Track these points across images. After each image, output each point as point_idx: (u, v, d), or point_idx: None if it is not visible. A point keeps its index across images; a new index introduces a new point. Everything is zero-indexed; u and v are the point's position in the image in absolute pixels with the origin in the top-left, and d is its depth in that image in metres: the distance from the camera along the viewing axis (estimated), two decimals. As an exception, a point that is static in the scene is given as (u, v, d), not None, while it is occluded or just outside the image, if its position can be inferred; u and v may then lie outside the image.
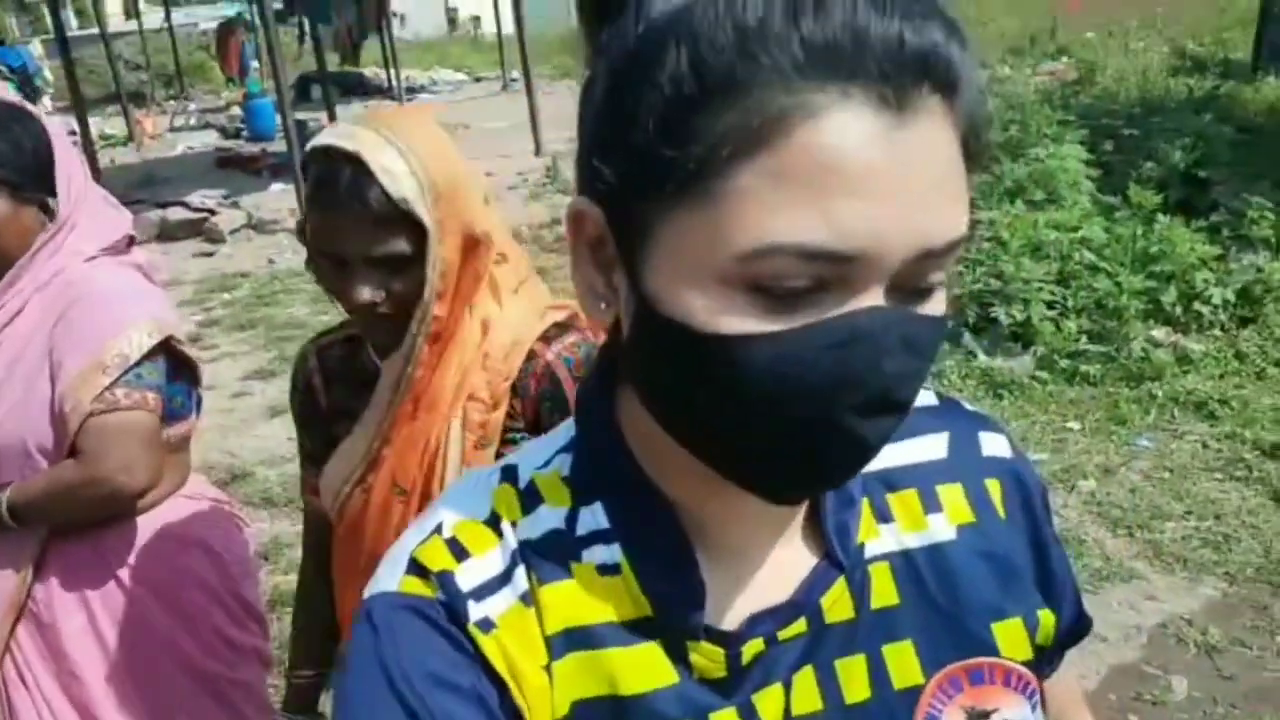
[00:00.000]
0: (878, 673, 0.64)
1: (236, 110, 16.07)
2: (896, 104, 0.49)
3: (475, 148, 11.76)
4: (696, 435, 0.58)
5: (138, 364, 1.59)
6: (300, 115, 10.04)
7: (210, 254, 8.48)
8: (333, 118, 11.86)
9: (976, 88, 0.53)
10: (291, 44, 17.16)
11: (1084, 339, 4.75)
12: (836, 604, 0.65)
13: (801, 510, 0.67)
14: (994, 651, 0.66)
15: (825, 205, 0.49)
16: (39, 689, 1.67)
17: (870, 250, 0.50)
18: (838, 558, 0.65)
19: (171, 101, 20.01)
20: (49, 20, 19.98)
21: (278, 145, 11.50)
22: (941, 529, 0.68)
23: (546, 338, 1.38)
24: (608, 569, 0.64)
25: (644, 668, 0.62)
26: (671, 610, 0.63)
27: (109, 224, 1.69)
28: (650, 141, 0.52)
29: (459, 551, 0.64)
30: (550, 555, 0.64)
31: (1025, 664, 0.67)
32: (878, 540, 0.67)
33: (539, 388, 1.37)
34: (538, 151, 10.33)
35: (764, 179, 0.49)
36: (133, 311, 1.62)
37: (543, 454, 0.69)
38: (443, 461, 1.36)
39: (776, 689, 0.63)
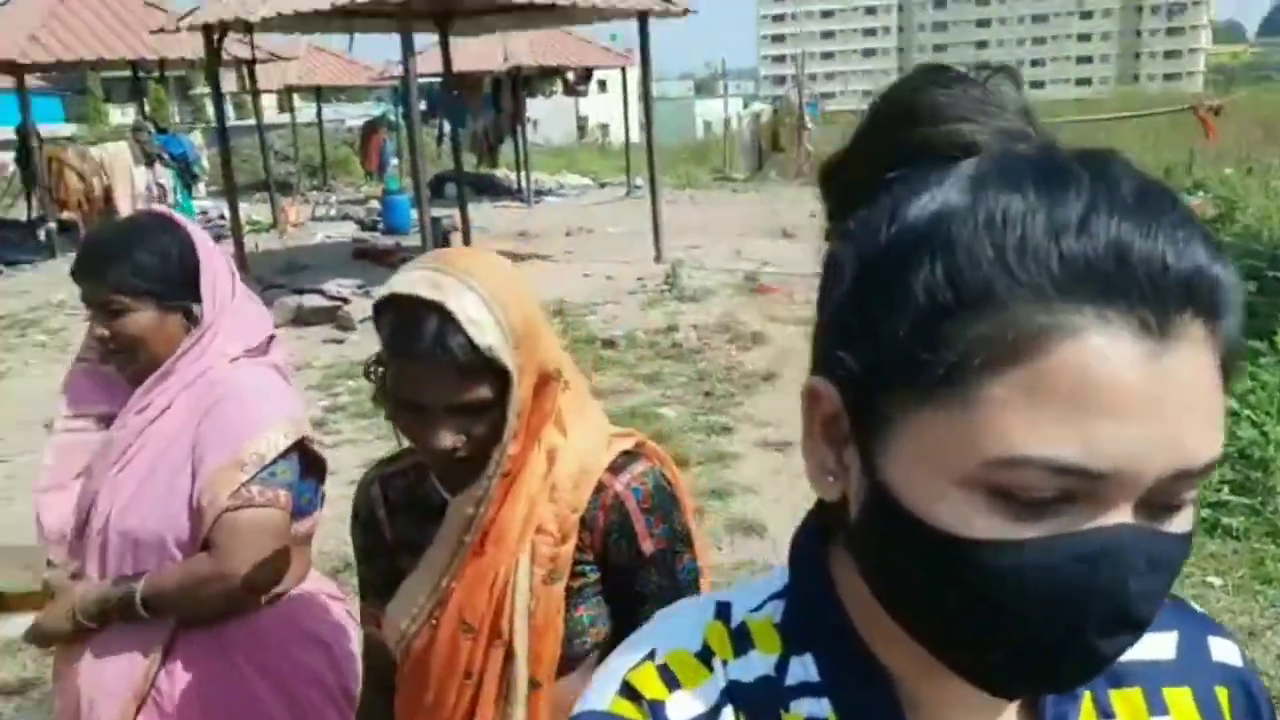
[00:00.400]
0: None
1: (375, 204, 16.86)
2: (1158, 330, 0.48)
3: (597, 251, 12.04)
4: (922, 625, 0.57)
5: (273, 463, 1.65)
6: (435, 212, 10.46)
7: (340, 341, 8.79)
8: (465, 216, 12.33)
9: (1238, 309, 0.52)
10: (430, 144, 18.03)
11: (1226, 489, 4.50)
12: None
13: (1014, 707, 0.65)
14: None
15: (1081, 424, 0.48)
16: None
17: (1125, 470, 0.49)
18: None
19: (315, 192, 21.13)
20: (210, 111, 21.52)
21: (411, 239, 11.97)
22: None
23: (614, 468, 1.36)
24: None
25: None
26: None
27: (252, 325, 1.77)
28: (899, 342, 0.52)
29: (671, 681, 0.64)
30: (759, 700, 0.64)
31: None
32: None
33: (607, 520, 1.35)
34: (658, 258, 10.50)
35: (1018, 392, 0.49)
36: (271, 412, 1.69)
37: (755, 597, 0.69)
38: (511, 597, 1.34)
39: None
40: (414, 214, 13.64)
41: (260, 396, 1.70)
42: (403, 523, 1.45)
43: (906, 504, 0.53)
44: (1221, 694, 0.68)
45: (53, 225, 13.15)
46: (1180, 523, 0.53)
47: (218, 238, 13.98)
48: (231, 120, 22.51)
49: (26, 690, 3.53)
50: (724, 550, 4.35)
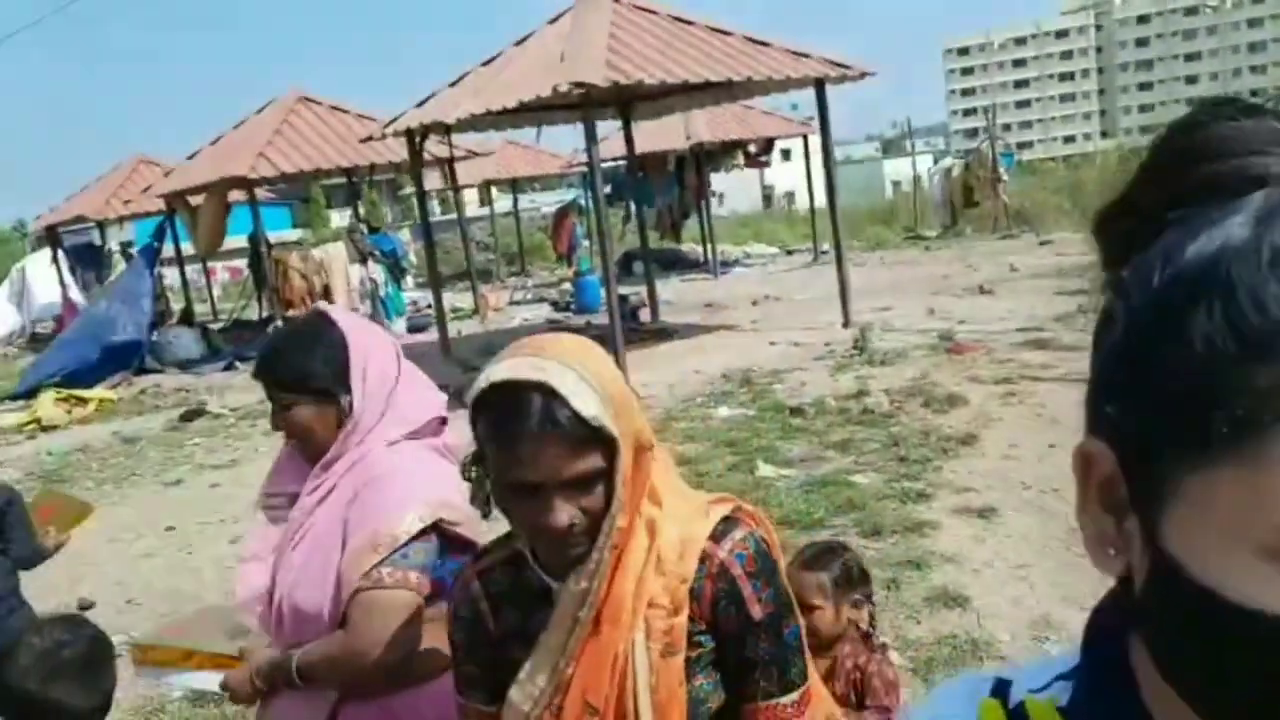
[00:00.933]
0: None
1: (567, 285, 17.48)
2: None
3: (784, 319, 11.97)
4: (1219, 715, 0.51)
5: (405, 545, 1.71)
6: (622, 290, 10.71)
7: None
8: (652, 291, 12.57)
9: None
10: (617, 224, 18.58)
11: None
12: None
13: None
14: None
15: None
16: None
17: None
18: None
19: (513, 278, 22.14)
20: (416, 209, 23.06)
21: (601, 317, 12.30)
22: None
23: (715, 535, 1.37)
24: None
25: None
26: None
27: (417, 408, 1.86)
28: (1177, 397, 0.48)
29: None
30: None
31: None
32: None
33: (715, 589, 1.35)
34: (846, 323, 10.33)
35: None
36: (410, 495, 1.75)
37: (1040, 676, 0.64)
38: (633, 675, 1.34)
39: None
40: (603, 293, 14.08)
41: (404, 479, 1.77)
42: (507, 613, 1.45)
43: (1194, 576, 0.48)
44: None
45: (279, 322, 14.32)
46: None
47: (424, 326, 14.90)
48: (436, 215, 24.02)
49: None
50: (923, 623, 4.14)
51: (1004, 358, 8.21)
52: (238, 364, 13.46)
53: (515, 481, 1.30)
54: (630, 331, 10.30)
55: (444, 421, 1.92)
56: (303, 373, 1.81)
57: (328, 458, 1.81)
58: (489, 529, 1.64)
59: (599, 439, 1.28)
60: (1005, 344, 8.71)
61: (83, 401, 11.67)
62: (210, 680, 1.92)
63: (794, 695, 1.40)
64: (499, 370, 1.30)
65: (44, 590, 5.65)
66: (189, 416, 10.42)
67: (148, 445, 9.55)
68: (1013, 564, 4.63)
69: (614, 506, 1.31)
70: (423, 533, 1.73)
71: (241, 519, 6.80)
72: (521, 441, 1.27)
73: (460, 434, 1.94)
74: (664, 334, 11.28)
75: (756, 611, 1.37)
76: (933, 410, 7.07)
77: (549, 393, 1.27)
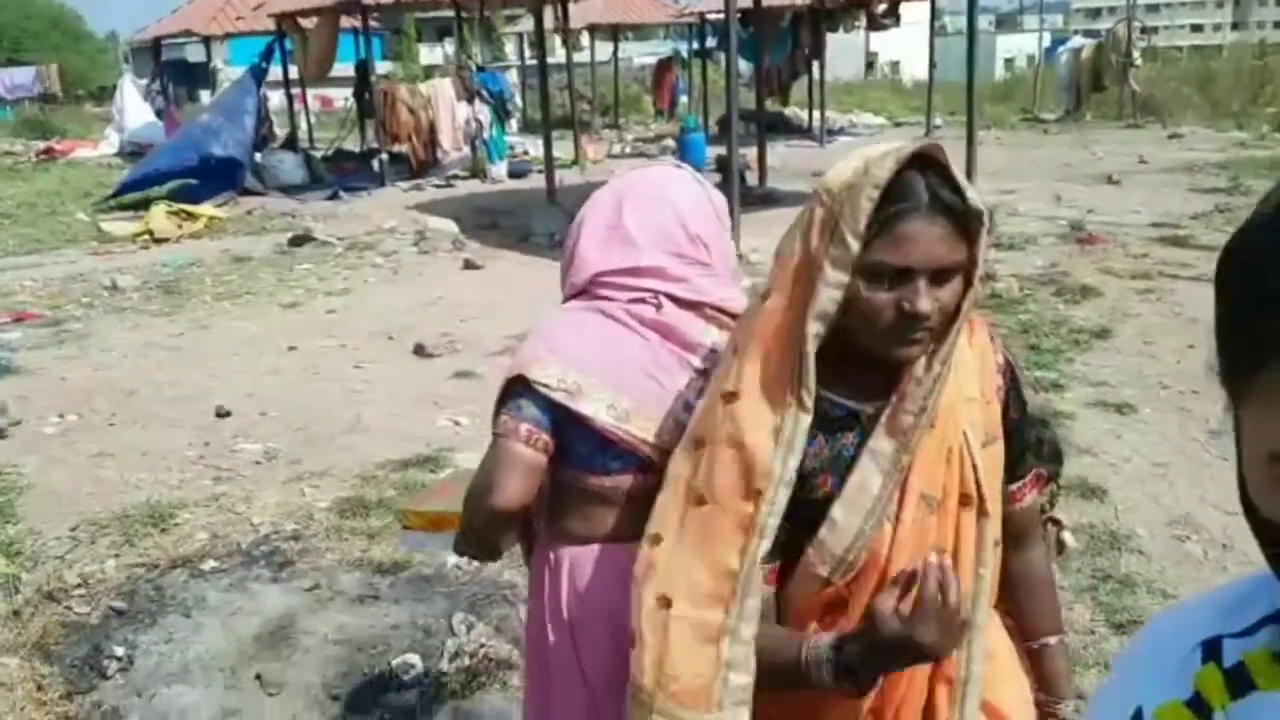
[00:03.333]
0: None
1: (668, 141, 17.14)
2: None
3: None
4: None
5: (518, 396, 1.61)
6: (725, 150, 10.43)
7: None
8: (762, 154, 12.27)
9: None
10: (719, 80, 17.98)
11: None
12: None
13: None
14: None
15: None
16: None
17: None
18: None
19: (608, 130, 21.75)
20: (509, 50, 22.52)
21: (708, 177, 12.05)
22: None
23: (990, 337, 1.45)
24: None
25: None
26: None
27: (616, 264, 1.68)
28: (1224, 334, 0.61)
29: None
30: None
31: None
32: None
33: (1006, 381, 1.44)
34: (967, 203, 9.99)
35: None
36: (532, 349, 1.65)
37: (1241, 619, 0.65)
38: (970, 461, 1.35)
39: None
40: (709, 151, 13.76)
41: (540, 334, 1.68)
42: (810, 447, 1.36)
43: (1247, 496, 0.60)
44: None
45: (385, 156, 14.32)
46: None
47: (524, 172, 14.79)
48: (528, 59, 23.50)
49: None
50: (1059, 510, 4.11)
51: (1138, 252, 7.91)
52: (341, 194, 13.54)
53: (882, 266, 1.25)
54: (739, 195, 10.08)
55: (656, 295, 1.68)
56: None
57: None
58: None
59: (970, 226, 1.26)
60: (1138, 238, 8.37)
61: (192, 217, 11.88)
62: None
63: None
64: (882, 161, 1.24)
65: (177, 398, 5.90)
66: (297, 241, 10.54)
67: (259, 265, 9.73)
68: (1151, 461, 4.55)
69: (970, 298, 1.29)
70: (525, 388, 1.61)
71: (361, 346, 6.96)
72: (911, 220, 1.23)
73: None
74: (772, 199, 11.03)
75: (1025, 401, 1.50)
76: (1065, 300, 6.87)
77: (944, 172, 1.24)
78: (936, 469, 1.35)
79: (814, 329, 1.28)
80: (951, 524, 1.36)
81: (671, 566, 1.36)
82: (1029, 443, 1.54)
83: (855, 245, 1.23)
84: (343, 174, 14.84)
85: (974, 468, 1.36)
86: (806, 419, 1.30)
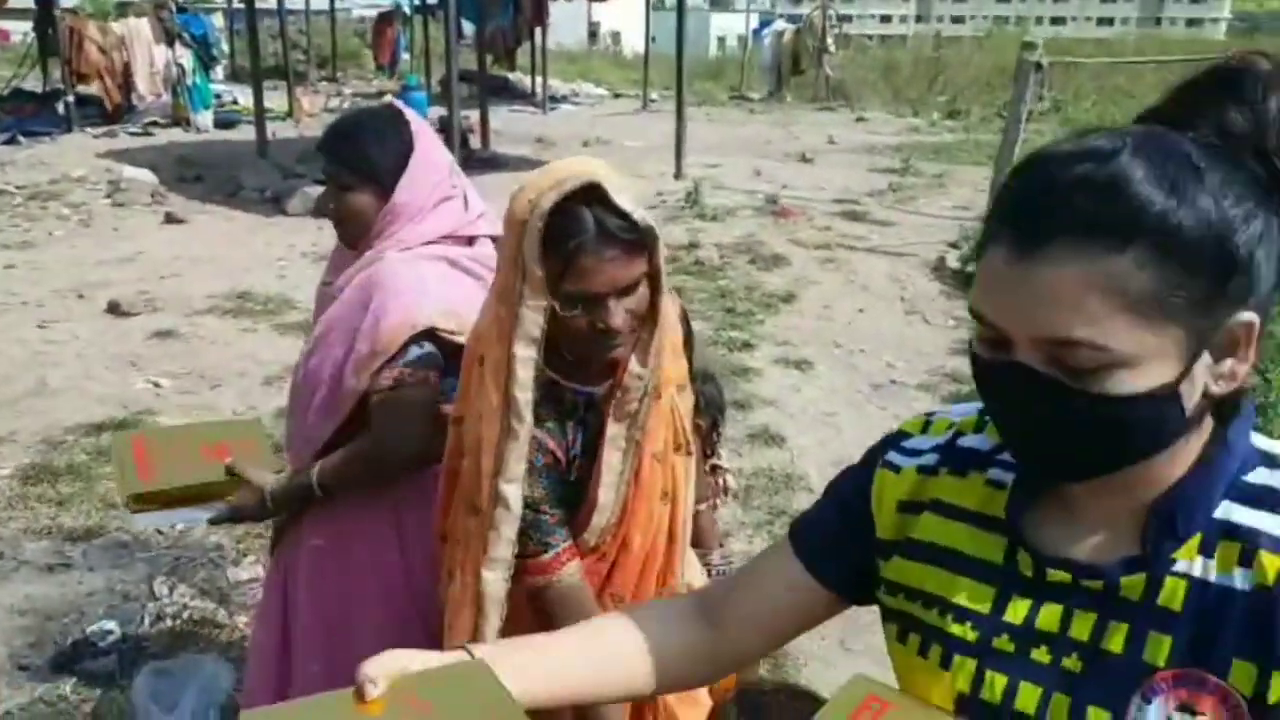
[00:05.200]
0: (1136, 643, 0.84)
1: (389, 98, 16.66)
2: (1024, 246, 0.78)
3: (615, 164, 12.02)
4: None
5: (409, 349, 1.76)
6: (443, 112, 10.40)
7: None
8: (485, 118, 12.28)
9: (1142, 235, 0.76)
10: (442, 40, 17.73)
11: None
12: (1132, 587, 0.85)
13: (1134, 516, 0.86)
14: (1224, 677, 0.80)
15: (979, 295, 0.82)
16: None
17: (1002, 328, 0.80)
18: (1148, 560, 0.84)
19: (325, 83, 20.86)
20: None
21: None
22: (1240, 581, 0.81)
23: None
24: (994, 483, 0.94)
25: (982, 545, 0.92)
26: (1015, 523, 0.90)
27: (443, 219, 1.89)
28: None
29: (926, 426, 1.02)
30: (966, 460, 0.97)
31: (1246, 699, 0.80)
32: (1189, 563, 0.83)
33: (685, 327, 1.72)
34: (678, 174, 10.54)
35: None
36: (416, 302, 1.79)
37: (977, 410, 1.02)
38: (678, 413, 1.63)
39: (1059, 609, 0.87)
40: (431, 111, 13.59)
41: (412, 286, 1.80)
42: (580, 439, 1.55)
43: None
44: None
45: (71, 98, 13.06)
46: (1094, 384, 0.76)
47: (232, 122, 13.96)
48: (238, 3, 22.01)
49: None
50: (744, 457, 4.57)
51: (822, 225, 8.70)
52: (20, 139, 12.23)
53: (576, 296, 1.39)
54: (460, 157, 10.10)
55: (471, 240, 1.93)
56: (370, 161, 1.83)
57: (356, 252, 1.87)
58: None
59: (644, 243, 1.39)
60: (823, 212, 9.20)
61: None
62: (200, 515, 1.93)
63: None
64: (546, 195, 1.35)
65: None
66: (-34, 190, 9.49)
67: (-81, 216, 8.70)
68: (823, 411, 5.13)
69: (661, 297, 1.46)
70: (424, 338, 1.77)
71: (46, 303, 6.44)
72: (590, 254, 1.36)
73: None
74: (495, 163, 11.12)
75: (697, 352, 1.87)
76: (758, 267, 7.48)
77: (605, 200, 1.35)
78: (659, 430, 1.57)
79: (523, 353, 1.43)
80: (670, 469, 1.61)
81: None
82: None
83: (539, 272, 1.38)
84: (21, 116, 13.37)
85: (680, 417, 1.62)
86: (520, 444, 1.46)
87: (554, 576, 1.51)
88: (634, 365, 1.50)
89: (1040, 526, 0.90)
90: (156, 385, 5.14)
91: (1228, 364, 0.80)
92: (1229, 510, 0.83)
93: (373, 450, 1.79)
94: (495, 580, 1.49)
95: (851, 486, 1.04)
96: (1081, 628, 0.86)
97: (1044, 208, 0.75)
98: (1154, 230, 0.73)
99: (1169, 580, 0.83)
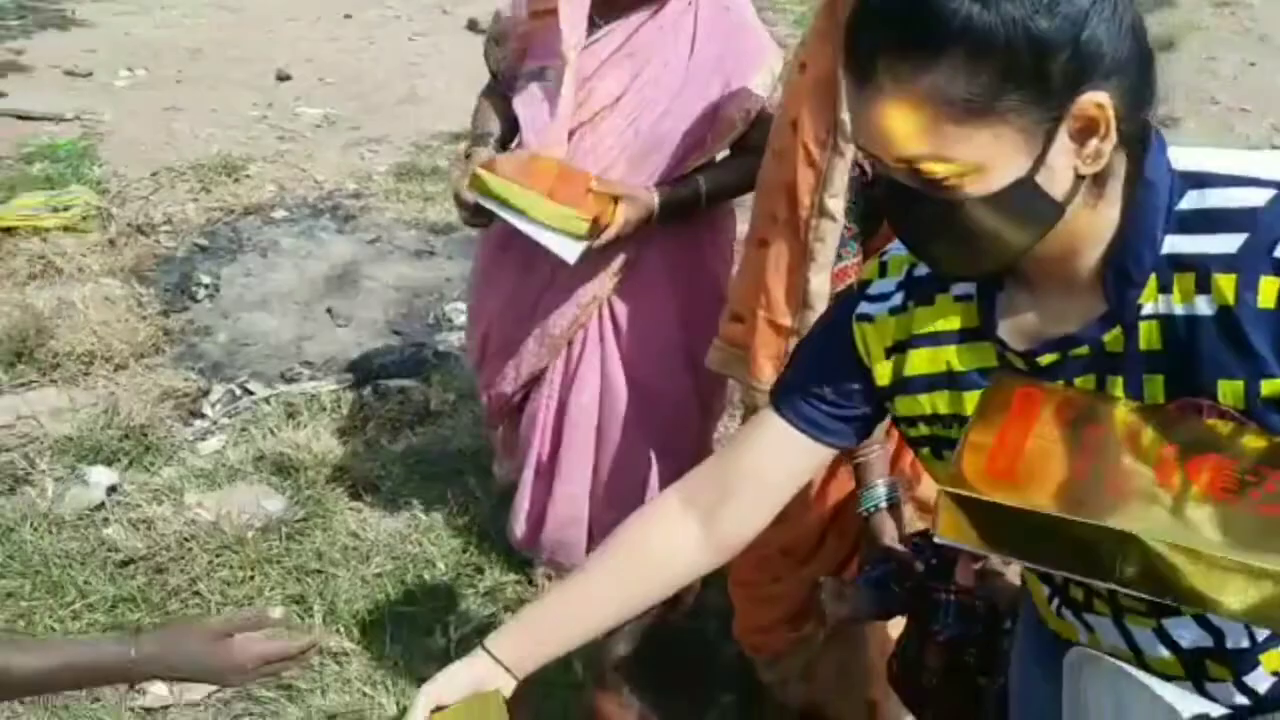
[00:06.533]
0: (1133, 390, 0.90)
1: None
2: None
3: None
4: None
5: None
6: None
7: None
8: None
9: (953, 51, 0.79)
10: None
11: None
12: (1114, 341, 0.90)
13: (1092, 278, 0.90)
14: (1214, 398, 0.86)
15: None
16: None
17: (867, 149, 0.86)
18: (1117, 312, 0.89)
19: None
20: None
21: None
22: (1203, 307, 0.85)
23: None
24: (961, 298, 0.99)
25: (973, 357, 0.98)
26: (993, 330, 0.95)
27: None
28: None
29: (883, 270, 1.06)
30: (927, 287, 1.01)
31: (1240, 411, 0.85)
32: (1154, 304, 0.87)
33: None
34: None
35: None
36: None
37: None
38: None
39: (1061, 385, 0.92)
40: None
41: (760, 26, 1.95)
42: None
43: None
44: (1268, 283, 0.82)
45: None
46: (951, 192, 0.81)
47: None
48: None
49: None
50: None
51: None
52: None
53: None
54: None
55: None
56: None
57: None
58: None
59: None
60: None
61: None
62: (554, 241, 1.85)
63: None
64: None
65: (239, 59, 6.04)
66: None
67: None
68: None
69: None
70: None
71: (415, 17, 6.94)
72: None
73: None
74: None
75: None
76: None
77: None
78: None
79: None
80: None
81: None
82: None
83: None
84: None
85: None
86: (845, 161, 1.54)
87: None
88: None
89: (1016, 320, 0.95)
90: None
91: (1092, 144, 0.81)
92: (1173, 244, 0.86)
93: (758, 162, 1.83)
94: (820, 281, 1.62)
95: (832, 349, 1.08)
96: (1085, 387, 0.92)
97: (863, 38, 0.81)
98: (960, 37, 0.76)
99: (1143, 325, 0.88)
